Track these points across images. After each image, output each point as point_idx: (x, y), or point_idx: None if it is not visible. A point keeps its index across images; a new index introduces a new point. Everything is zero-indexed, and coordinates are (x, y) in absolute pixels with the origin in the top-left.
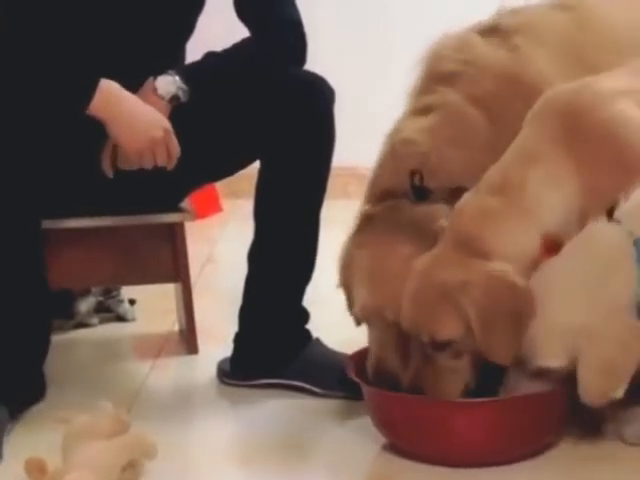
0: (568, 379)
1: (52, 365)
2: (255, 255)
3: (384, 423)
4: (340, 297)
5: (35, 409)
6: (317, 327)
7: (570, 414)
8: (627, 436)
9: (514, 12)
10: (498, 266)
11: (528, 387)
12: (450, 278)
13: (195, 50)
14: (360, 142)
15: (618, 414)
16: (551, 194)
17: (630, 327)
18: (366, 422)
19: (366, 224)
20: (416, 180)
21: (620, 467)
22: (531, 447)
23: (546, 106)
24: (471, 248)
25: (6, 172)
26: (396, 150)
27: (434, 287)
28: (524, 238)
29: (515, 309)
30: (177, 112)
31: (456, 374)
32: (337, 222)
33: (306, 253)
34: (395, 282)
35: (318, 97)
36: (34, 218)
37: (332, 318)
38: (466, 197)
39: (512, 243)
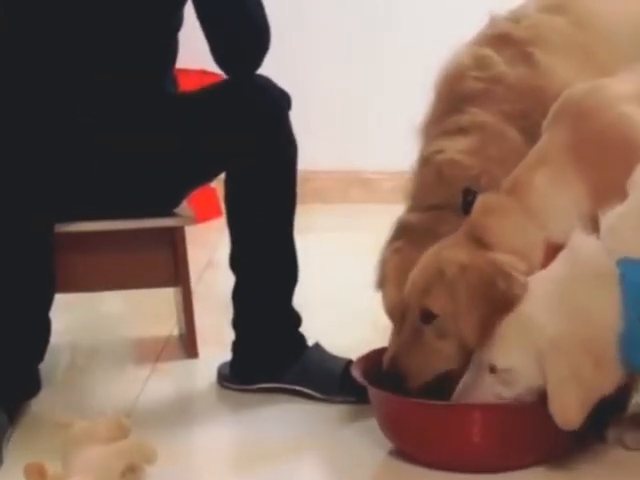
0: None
1: (52, 369)
2: (235, 263)
3: (390, 427)
4: (342, 301)
5: (35, 413)
6: (316, 332)
7: None
8: (628, 442)
9: (514, 20)
10: (501, 256)
11: (480, 393)
12: (452, 259)
13: (190, 45)
14: (362, 146)
15: (619, 420)
16: (557, 195)
17: (607, 348)
18: (370, 427)
19: (404, 231)
20: (469, 198)
21: (623, 473)
22: (537, 453)
23: (559, 109)
24: (477, 237)
25: (15, 175)
26: (443, 170)
27: (436, 262)
28: (525, 235)
29: (502, 295)
30: (158, 114)
31: (438, 355)
32: (338, 226)
33: (285, 256)
34: None
35: (271, 102)
36: (44, 217)
37: (331, 323)
38: (482, 196)
39: (514, 238)
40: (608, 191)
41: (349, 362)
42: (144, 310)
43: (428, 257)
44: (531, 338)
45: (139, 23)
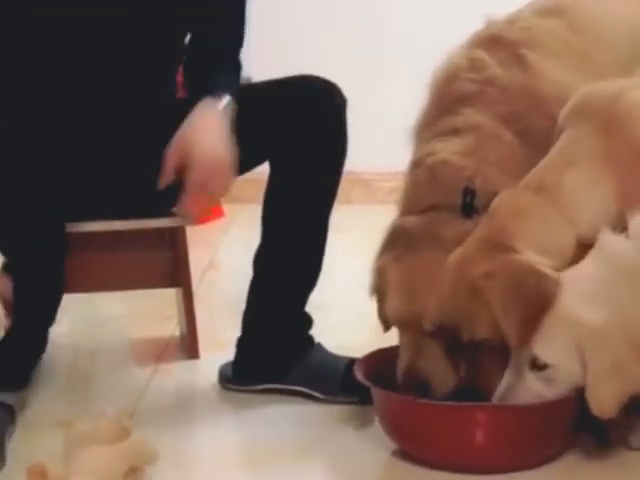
0: (575, 388)
1: (53, 370)
2: (261, 260)
3: (394, 427)
4: (343, 302)
5: (36, 413)
6: (320, 331)
7: (577, 422)
8: (632, 442)
9: (508, 22)
10: (526, 256)
11: (522, 393)
12: (478, 272)
13: None
14: (363, 147)
15: (623, 421)
16: (587, 196)
17: None
18: (373, 428)
19: (401, 237)
20: (467, 199)
21: (627, 474)
22: (541, 454)
23: (582, 108)
24: (503, 243)
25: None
26: (436, 172)
27: (465, 284)
28: (558, 236)
29: (537, 294)
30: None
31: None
32: (339, 227)
33: (313, 259)
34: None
35: (330, 103)
36: (58, 218)
37: (335, 323)
38: (502, 195)
39: (546, 240)
40: (637, 195)
41: (351, 362)
42: (145, 311)
43: (450, 278)
44: (572, 332)
45: (157, 32)
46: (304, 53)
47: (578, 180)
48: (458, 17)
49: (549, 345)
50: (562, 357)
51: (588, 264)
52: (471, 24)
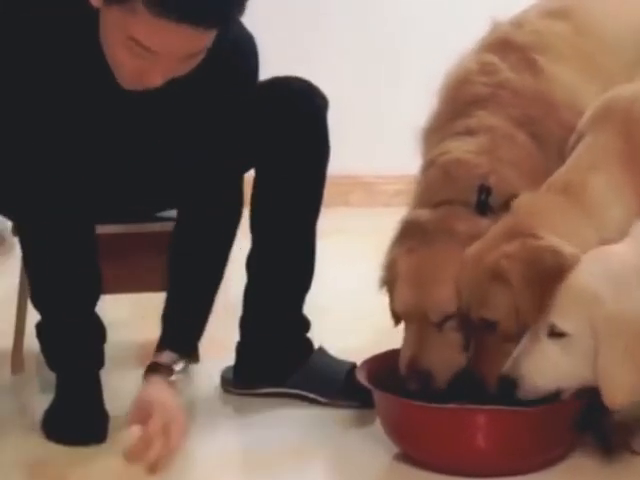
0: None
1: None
2: (253, 264)
3: (395, 430)
4: (343, 305)
5: (38, 415)
6: (321, 335)
7: (580, 425)
8: (635, 446)
9: (516, 25)
10: (546, 239)
11: (537, 358)
12: (499, 254)
13: None
14: (362, 150)
15: (626, 424)
16: (610, 201)
17: None
18: (375, 431)
19: (414, 230)
20: (483, 197)
21: (629, 477)
22: (543, 457)
23: (603, 112)
24: (524, 232)
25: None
26: (450, 170)
27: (485, 267)
28: (582, 236)
29: (555, 270)
30: (170, 118)
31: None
32: (338, 230)
33: (304, 261)
34: (445, 285)
35: (309, 104)
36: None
37: (336, 326)
38: (522, 196)
39: (568, 236)
40: None
41: (353, 366)
42: (147, 314)
43: (472, 262)
44: (587, 307)
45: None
46: (306, 55)
47: (601, 185)
48: (462, 19)
49: (566, 314)
50: (578, 328)
51: (620, 246)
52: (476, 26)
